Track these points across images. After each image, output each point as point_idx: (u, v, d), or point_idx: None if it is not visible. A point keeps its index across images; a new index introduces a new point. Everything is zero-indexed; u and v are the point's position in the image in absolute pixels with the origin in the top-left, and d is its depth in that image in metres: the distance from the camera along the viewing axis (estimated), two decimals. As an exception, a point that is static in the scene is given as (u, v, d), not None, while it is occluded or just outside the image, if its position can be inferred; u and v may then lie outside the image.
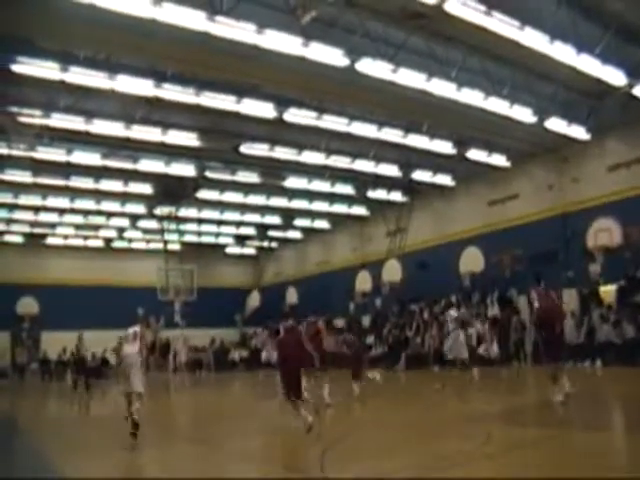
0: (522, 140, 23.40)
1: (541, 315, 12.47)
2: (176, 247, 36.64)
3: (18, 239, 36.37)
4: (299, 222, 36.85)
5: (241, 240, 41.15)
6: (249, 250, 44.38)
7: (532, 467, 6.94)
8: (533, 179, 25.54)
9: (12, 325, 32.74)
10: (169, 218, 32.78)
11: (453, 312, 19.82)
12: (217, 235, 39.79)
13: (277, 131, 22.58)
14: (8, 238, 36.04)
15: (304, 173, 27.59)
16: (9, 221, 33.20)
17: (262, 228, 37.94)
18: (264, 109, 20.00)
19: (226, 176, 27.37)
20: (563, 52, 16.34)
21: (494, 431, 8.92)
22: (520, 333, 23.46)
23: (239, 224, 37.09)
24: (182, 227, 35.28)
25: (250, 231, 38.86)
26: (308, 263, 40.55)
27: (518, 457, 7.53)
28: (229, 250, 43.44)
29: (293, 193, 30.67)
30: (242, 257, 45.25)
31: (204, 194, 29.73)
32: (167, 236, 34.53)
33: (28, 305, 32.30)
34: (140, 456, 9.16)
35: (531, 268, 23.73)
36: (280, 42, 15.07)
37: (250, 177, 27.62)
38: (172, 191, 28.89)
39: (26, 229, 34.99)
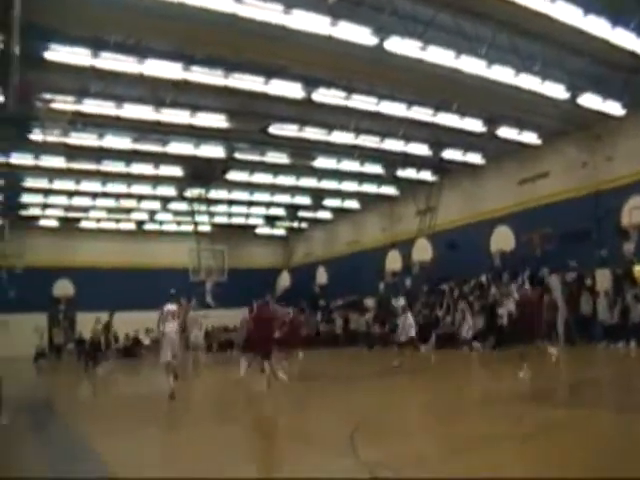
0: (554, 117, 23.00)
1: (518, 306, 14.65)
2: (207, 229, 36.82)
3: (53, 223, 36.96)
4: (329, 202, 36.82)
5: (271, 221, 41.26)
6: (279, 231, 44.53)
7: (563, 449, 6.87)
8: (565, 157, 25.13)
9: (49, 307, 33.40)
10: (199, 200, 32.94)
11: (401, 301, 23.47)
12: (247, 216, 39.94)
13: (306, 111, 22.46)
14: (43, 222, 36.63)
15: (333, 153, 27.46)
16: (44, 206, 33.71)
17: (292, 209, 37.99)
18: (293, 90, 19.90)
19: (255, 157, 27.38)
20: (597, 25, 16.03)
21: (526, 412, 8.88)
22: (552, 313, 23.28)
23: (269, 205, 37.15)
24: (212, 209, 35.40)
25: (280, 212, 38.95)
26: (338, 243, 40.62)
27: (549, 439, 7.45)
28: (259, 231, 43.59)
29: (322, 173, 30.59)
30: (272, 238, 45.48)
31: (234, 175, 29.79)
32: (198, 218, 34.70)
33: (64, 287, 32.85)
34: (174, 435, 9.29)
35: (562, 247, 23.56)
36: (308, 22, 15.01)
37: (279, 158, 27.59)
38: (202, 173, 29.01)
39: (60, 213, 35.55)
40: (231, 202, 36.01)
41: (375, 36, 15.86)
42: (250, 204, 36.82)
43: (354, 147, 26.15)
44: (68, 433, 9.80)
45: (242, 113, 22.39)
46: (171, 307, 14.02)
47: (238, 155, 26.78)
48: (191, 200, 33.16)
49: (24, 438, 9.04)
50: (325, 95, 20.52)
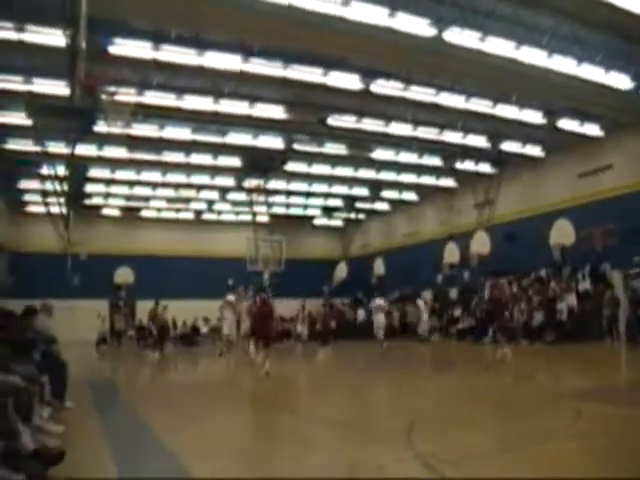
0: (617, 108, 22.46)
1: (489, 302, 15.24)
2: (264, 219, 37.19)
3: (115, 212, 38.00)
4: (386, 194, 36.72)
5: (328, 212, 41.41)
6: (336, 222, 44.62)
7: (623, 448, 6.79)
8: (628, 150, 24.46)
9: (110, 294, 34.36)
10: (257, 190, 33.29)
11: (378, 301, 24.28)
12: (305, 207, 40.17)
13: (364, 103, 22.45)
14: (106, 211, 37.67)
15: (391, 145, 27.41)
16: (107, 195, 34.64)
17: (350, 200, 38.03)
18: (351, 81, 19.98)
19: (313, 148, 27.55)
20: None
21: (585, 409, 8.78)
22: (613, 309, 22.86)
23: (327, 196, 37.28)
24: (270, 199, 35.75)
25: (337, 203, 39.04)
26: (395, 235, 40.49)
27: (610, 437, 7.32)
28: (317, 222, 43.82)
29: (380, 165, 30.55)
30: (329, 229, 45.59)
31: (292, 166, 30.06)
32: (255, 208, 35.08)
33: (125, 275, 33.71)
34: (235, 421, 9.50)
35: (625, 242, 23.04)
36: (366, 13, 15.10)
37: (338, 149, 27.66)
38: (260, 164, 29.35)
39: (122, 203, 36.53)
40: (289, 193, 36.24)
41: (434, 27, 15.87)
42: (308, 195, 37.03)
43: (412, 139, 26.03)
44: (133, 419, 10.11)
45: (300, 104, 22.56)
46: (230, 297, 17.20)
47: (296, 146, 27.00)
48: (249, 190, 33.53)
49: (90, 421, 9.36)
50: (383, 86, 20.52)
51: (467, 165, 29.95)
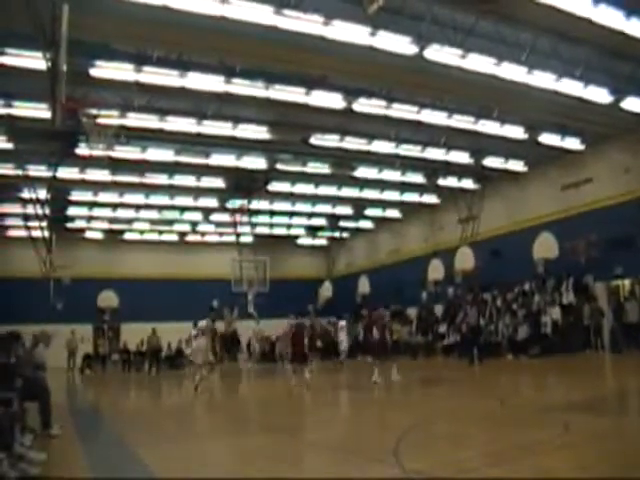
0: (597, 122, 22.67)
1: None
2: (249, 239, 37.09)
3: (98, 235, 37.75)
4: (370, 212, 36.79)
5: (312, 231, 41.40)
6: (320, 241, 44.57)
7: (614, 456, 6.79)
8: (609, 162, 24.72)
9: (94, 317, 33.97)
10: (241, 211, 33.25)
11: (342, 322, 27.57)
12: (289, 226, 40.11)
13: (347, 121, 22.57)
14: (89, 234, 37.40)
15: (374, 163, 27.52)
16: (89, 218, 34.42)
17: (333, 218, 38.04)
18: (333, 100, 20.03)
19: (297, 168, 27.60)
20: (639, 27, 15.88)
21: (572, 421, 8.77)
22: (596, 320, 22.99)
23: (310, 215, 37.33)
24: (254, 219, 35.68)
25: (321, 222, 39.08)
26: (379, 253, 40.49)
27: (599, 447, 7.33)
28: (301, 241, 43.77)
29: (364, 183, 30.63)
30: (314, 248, 45.48)
31: (275, 186, 30.07)
32: (240, 229, 35.01)
33: (108, 298, 33.39)
34: (217, 444, 9.38)
35: (608, 254, 23.19)
36: (347, 32, 15.19)
37: (321, 168, 27.78)
38: (244, 184, 29.32)
39: (105, 225, 36.28)
40: (273, 213, 36.20)
41: (415, 45, 15.98)
42: (292, 214, 37.04)
43: (395, 156, 26.13)
44: (116, 442, 9.96)
45: (283, 124, 22.63)
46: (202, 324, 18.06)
47: (280, 166, 27.03)
48: (233, 211, 33.48)
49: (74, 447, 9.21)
50: (366, 105, 20.62)
51: (450, 181, 30.07)
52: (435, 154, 26.20)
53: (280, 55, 16.46)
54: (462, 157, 26.82)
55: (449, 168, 28.20)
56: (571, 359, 21.41)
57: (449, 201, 32.70)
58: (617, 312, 23.08)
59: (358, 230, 41.73)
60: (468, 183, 30.59)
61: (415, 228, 37.15)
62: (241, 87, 18.65)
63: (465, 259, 29.11)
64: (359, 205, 35.09)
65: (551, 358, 21.84)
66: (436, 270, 31.59)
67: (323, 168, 27.73)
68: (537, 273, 25.80)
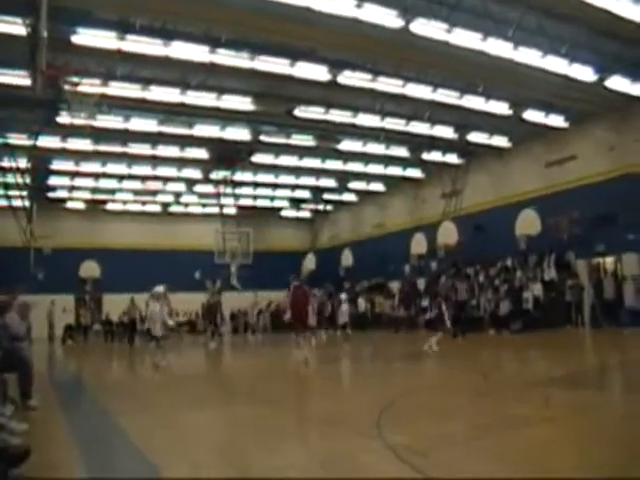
0: (581, 100, 22.70)
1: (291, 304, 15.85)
2: (232, 211, 36.97)
3: (80, 205, 37.48)
4: (354, 185, 36.77)
5: (296, 203, 41.37)
6: (304, 213, 44.56)
7: (594, 430, 6.87)
8: (593, 140, 24.80)
9: (76, 288, 33.89)
10: (225, 182, 33.10)
11: (343, 296, 27.68)
12: (272, 199, 40.06)
13: (331, 94, 22.43)
14: (71, 204, 37.15)
15: (359, 136, 27.41)
16: (71, 188, 34.15)
17: (317, 191, 38.00)
18: (318, 72, 19.89)
19: (281, 140, 27.47)
20: (625, 7, 15.84)
21: (553, 395, 8.85)
22: (577, 296, 23.23)
23: (294, 187, 37.24)
24: (238, 191, 35.56)
25: (305, 194, 39.06)
26: (363, 226, 40.56)
27: (579, 420, 7.44)
28: (284, 213, 43.73)
29: (348, 156, 30.55)
30: (297, 220, 45.49)
31: (259, 158, 29.96)
32: (223, 200, 34.89)
33: (90, 269, 33.30)
34: (204, 415, 9.39)
35: (590, 231, 23.34)
36: (333, 4, 15.02)
37: (305, 140, 27.66)
38: (227, 155, 29.17)
39: (87, 195, 36.04)
40: (256, 184, 36.14)
41: (401, 18, 15.85)
42: (275, 187, 36.96)
43: (380, 130, 26.04)
44: (98, 412, 9.97)
45: (268, 95, 22.45)
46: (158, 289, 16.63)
47: (264, 138, 26.88)
48: (217, 182, 33.34)
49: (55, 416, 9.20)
50: (351, 77, 20.51)
51: (434, 156, 30.07)
52: (420, 128, 26.14)
53: (266, 26, 16.30)
54: (447, 132, 26.79)
55: (433, 142, 28.18)
56: (552, 334, 21.64)
57: (433, 175, 32.75)
58: (597, 289, 23.33)
59: (342, 203, 41.72)
60: (452, 158, 30.60)
61: (399, 202, 37.19)
62: (226, 57, 18.48)
63: (448, 234, 29.20)
64: (343, 178, 35.01)
65: (532, 333, 22.06)
66: (419, 244, 31.68)
67: (307, 140, 27.61)
68: (519, 249, 25.95)
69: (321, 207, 42.78)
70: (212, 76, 20.54)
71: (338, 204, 42.18)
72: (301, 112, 23.68)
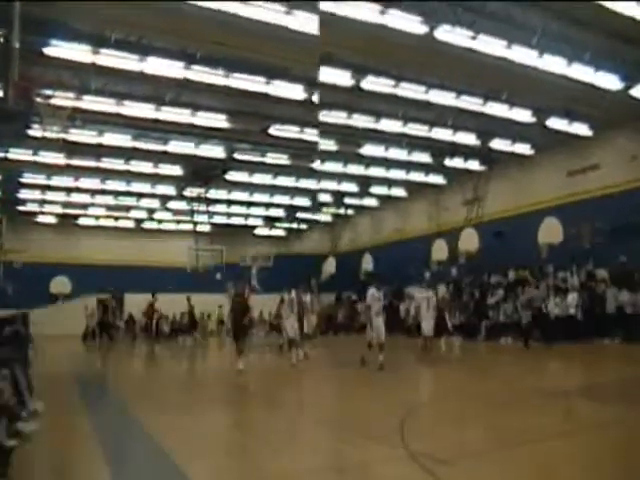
0: (605, 108, 22.45)
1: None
2: (206, 228, 37.08)
3: (51, 220, 37.62)
4: (375, 190, 36.71)
5: (271, 221, 41.91)
6: (325, 217, 44.55)
7: (611, 446, 6.82)
8: (616, 149, 24.60)
9: (46, 304, 33.66)
10: (199, 199, 33.32)
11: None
12: (247, 216, 40.74)
13: (355, 99, 22.43)
14: (42, 219, 37.23)
15: (381, 141, 27.39)
16: (43, 202, 34.18)
17: (338, 195, 38.01)
18: (341, 77, 19.87)
19: (256, 157, 28.10)
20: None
21: (573, 407, 8.78)
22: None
23: (268, 205, 38.16)
24: (211, 208, 35.80)
25: (279, 213, 39.89)
26: (384, 231, 40.54)
27: (598, 435, 7.34)
28: (258, 232, 44.18)
29: (370, 161, 30.55)
30: (318, 224, 45.60)
31: (234, 175, 30.65)
32: (197, 217, 35.05)
33: (61, 284, 33.62)
34: (219, 417, 9.47)
35: (613, 241, 23.13)
36: (358, 10, 15.06)
37: (279, 159, 28.19)
38: (202, 172, 29.80)
39: (59, 210, 36.04)
40: (230, 202, 36.75)
41: (425, 25, 15.84)
42: (249, 204, 37.64)
43: (402, 135, 26.02)
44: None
45: (243, 113, 22.78)
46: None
47: (238, 155, 27.46)
48: (191, 199, 33.82)
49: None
50: (374, 83, 20.49)
51: (456, 162, 29.98)
52: (442, 134, 26.05)
53: (241, 43, 16.41)
54: (469, 138, 26.71)
55: (456, 149, 28.12)
56: (572, 346, 21.38)
57: (455, 182, 32.68)
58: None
59: (363, 207, 41.68)
60: (474, 165, 30.50)
61: (420, 207, 37.07)
62: (201, 74, 18.60)
63: (470, 240, 29.15)
64: (364, 183, 35.01)
65: (554, 345, 21.75)
66: (440, 250, 31.61)
67: (281, 159, 28.02)
68: (541, 258, 25.78)
69: (342, 211, 42.78)
70: (187, 92, 20.66)
71: (359, 208, 42.17)
72: (276, 130, 23.94)
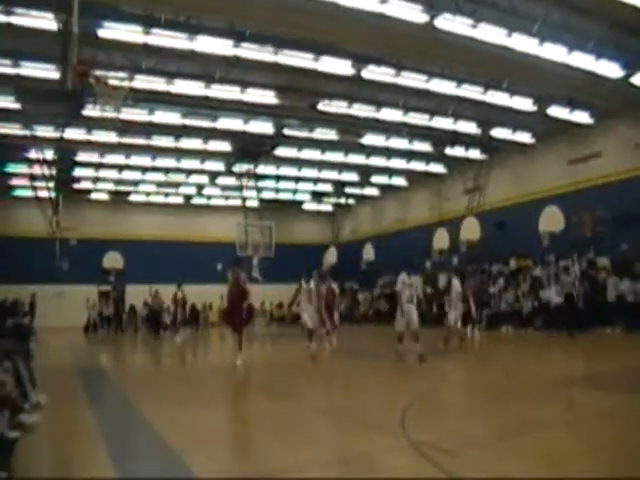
0: (607, 97, 22.43)
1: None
2: (254, 204, 37.09)
3: (104, 196, 37.84)
4: (376, 179, 36.74)
5: (318, 197, 41.42)
6: (326, 207, 44.61)
7: (614, 436, 6.80)
8: (618, 137, 24.50)
9: (100, 279, 34.22)
10: (247, 175, 33.22)
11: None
12: (294, 192, 40.15)
13: (355, 88, 22.43)
14: (95, 196, 37.52)
15: (382, 130, 27.39)
16: (96, 179, 34.45)
17: (339, 185, 38.02)
18: (342, 66, 19.95)
19: (304, 133, 27.54)
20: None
21: (576, 397, 8.75)
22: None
23: (316, 181, 37.29)
24: (260, 184, 35.67)
25: (327, 188, 39.06)
26: (385, 220, 40.52)
27: (601, 425, 7.30)
28: (306, 206, 43.78)
29: (371, 150, 30.56)
30: (319, 214, 45.55)
31: (282, 151, 30.09)
32: (245, 193, 35.00)
33: (113, 259, 33.58)
34: (222, 410, 9.49)
35: (614, 230, 23.12)
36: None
37: (328, 134, 27.69)
38: (250, 148, 29.28)
39: (111, 187, 36.40)
40: (279, 177, 36.25)
41: (426, 13, 15.81)
42: (297, 180, 37.01)
43: (403, 124, 26.00)
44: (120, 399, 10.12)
45: (291, 89, 22.49)
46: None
47: (287, 131, 26.97)
48: (239, 175, 33.46)
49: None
50: (375, 72, 20.50)
51: (457, 151, 29.97)
52: (443, 123, 26.05)
53: (290, 20, 16.31)
54: (470, 127, 26.69)
55: (457, 138, 28.09)
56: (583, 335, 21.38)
57: (456, 171, 32.67)
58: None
59: (364, 197, 41.70)
60: (475, 153, 30.48)
61: (421, 197, 37.06)
62: (250, 51, 18.62)
63: (471, 229, 29.15)
64: (365, 172, 35.00)
65: (555, 332, 21.74)
66: (441, 239, 31.62)
67: (330, 134, 27.63)
68: (542, 246, 25.79)
69: (343, 201, 42.77)
70: (236, 70, 20.60)
71: (360, 198, 42.17)
72: (325, 106, 23.73)
